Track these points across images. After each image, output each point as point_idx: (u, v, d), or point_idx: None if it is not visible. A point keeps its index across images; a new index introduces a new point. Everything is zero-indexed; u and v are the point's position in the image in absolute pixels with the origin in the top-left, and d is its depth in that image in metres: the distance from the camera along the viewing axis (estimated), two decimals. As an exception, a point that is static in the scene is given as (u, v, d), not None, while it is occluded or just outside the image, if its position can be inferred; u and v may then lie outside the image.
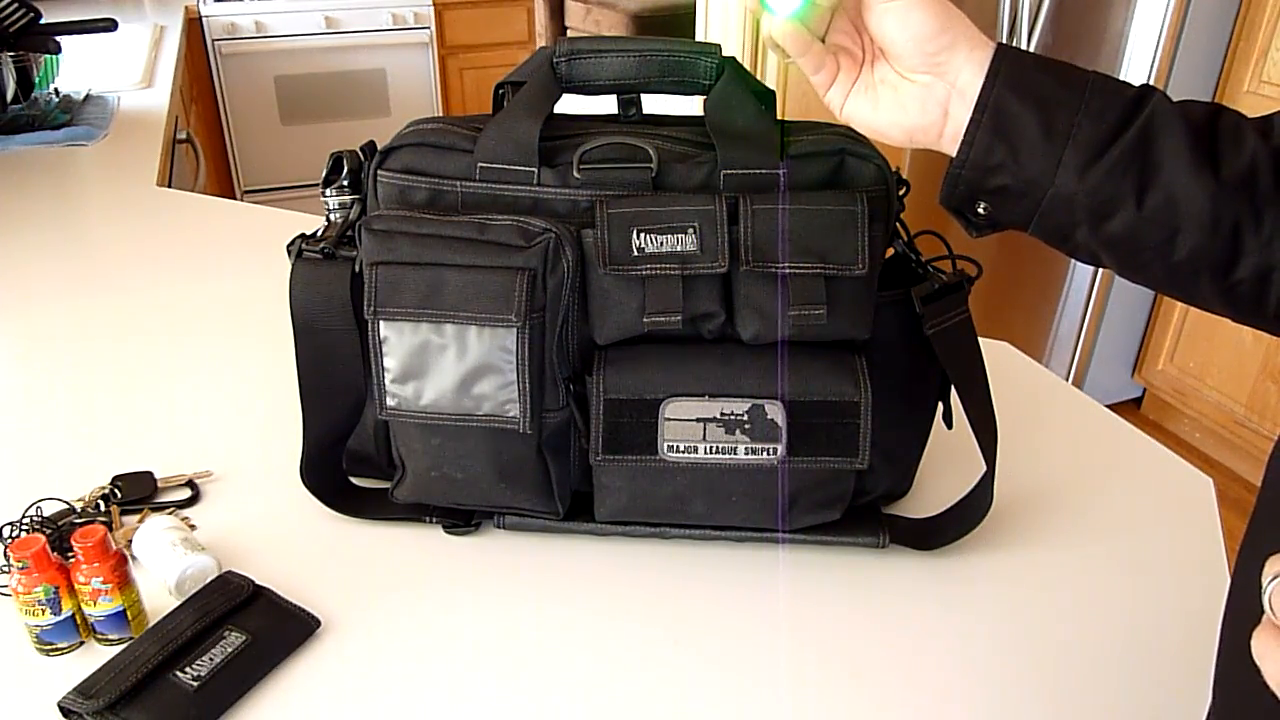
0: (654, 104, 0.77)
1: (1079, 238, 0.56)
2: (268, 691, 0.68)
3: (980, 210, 0.58)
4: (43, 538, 0.70)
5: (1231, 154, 0.53)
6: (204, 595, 0.72)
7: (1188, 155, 0.53)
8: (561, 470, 0.77)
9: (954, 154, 0.57)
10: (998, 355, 1.07)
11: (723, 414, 0.72)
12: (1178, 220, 0.53)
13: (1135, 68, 2.20)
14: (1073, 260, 2.17)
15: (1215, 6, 2.14)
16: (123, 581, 0.70)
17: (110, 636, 0.71)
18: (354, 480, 0.85)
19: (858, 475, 0.76)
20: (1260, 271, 0.53)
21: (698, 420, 0.72)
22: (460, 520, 0.82)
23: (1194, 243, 0.53)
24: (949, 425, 0.81)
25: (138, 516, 0.83)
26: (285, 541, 0.81)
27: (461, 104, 3.80)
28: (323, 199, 0.79)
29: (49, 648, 0.70)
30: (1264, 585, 0.32)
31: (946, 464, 0.88)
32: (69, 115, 1.90)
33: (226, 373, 1.06)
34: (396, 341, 0.71)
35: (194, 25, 3.30)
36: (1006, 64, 0.55)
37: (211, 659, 0.67)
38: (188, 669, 0.66)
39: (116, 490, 0.86)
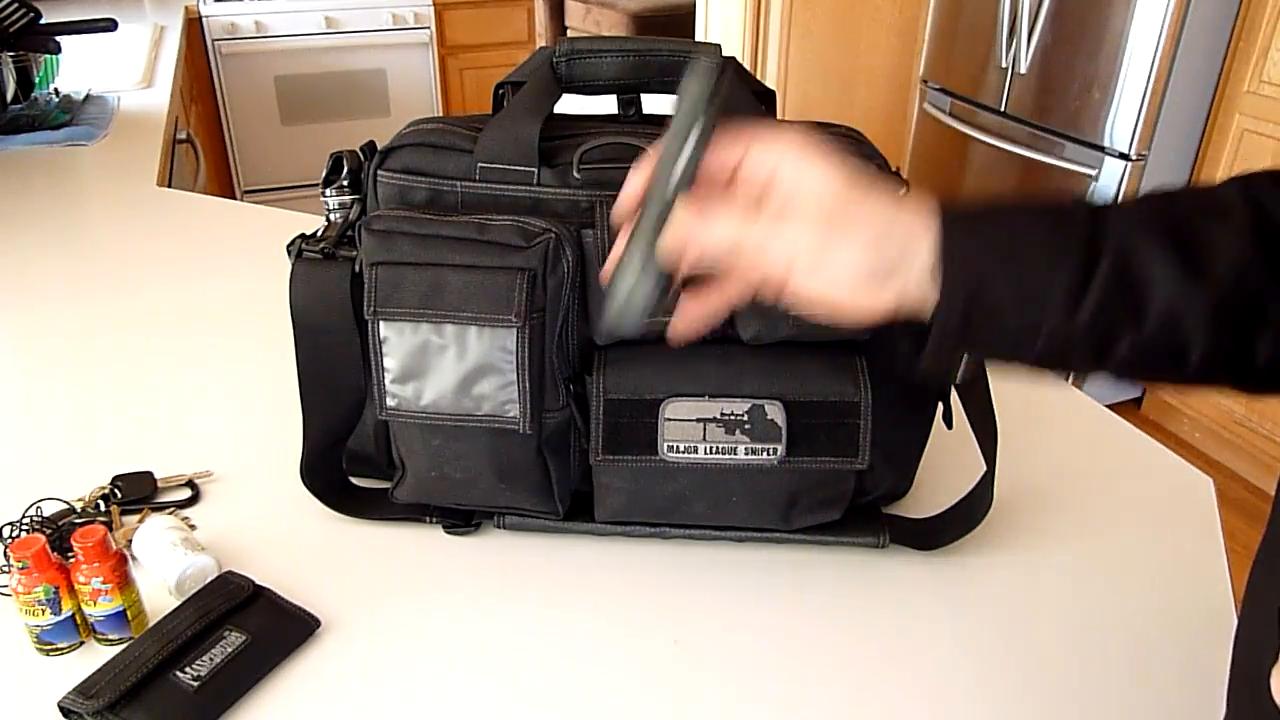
0: (654, 104, 0.77)
1: (1083, 368, 0.53)
2: (268, 691, 0.68)
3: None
4: (43, 538, 0.70)
5: (1214, 247, 0.49)
6: (204, 595, 0.72)
7: (1173, 268, 0.49)
8: (561, 470, 0.77)
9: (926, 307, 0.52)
10: (998, 355, 1.07)
11: (723, 414, 0.72)
12: (1182, 335, 0.51)
13: (1135, 68, 2.20)
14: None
15: (1215, 6, 2.14)
16: (123, 581, 0.70)
17: (110, 636, 0.71)
18: (354, 480, 0.85)
19: (858, 475, 0.76)
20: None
21: (698, 420, 0.72)
22: (460, 520, 0.82)
23: (1204, 351, 0.51)
24: (949, 425, 0.81)
25: (138, 516, 0.83)
26: (285, 541, 0.81)
27: (461, 104, 3.80)
28: (323, 199, 0.79)
29: (49, 648, 0.70)
30: None
31: (946, 464, 0.88)
32: (69, 115, 1.90)
33: (226, 373, 1.06)
34: (396, 341, 0.71)
35: (194, 25, 3.30)
36: (956, 241, 0.50)
37: (211, 659, 0.67)
38: (188, 669, 0.66)
39: (116, 490, 0.86)
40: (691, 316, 0.55)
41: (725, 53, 0.74)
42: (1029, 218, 0.51)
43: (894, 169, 0.74)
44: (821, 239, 0.50)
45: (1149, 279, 0.49)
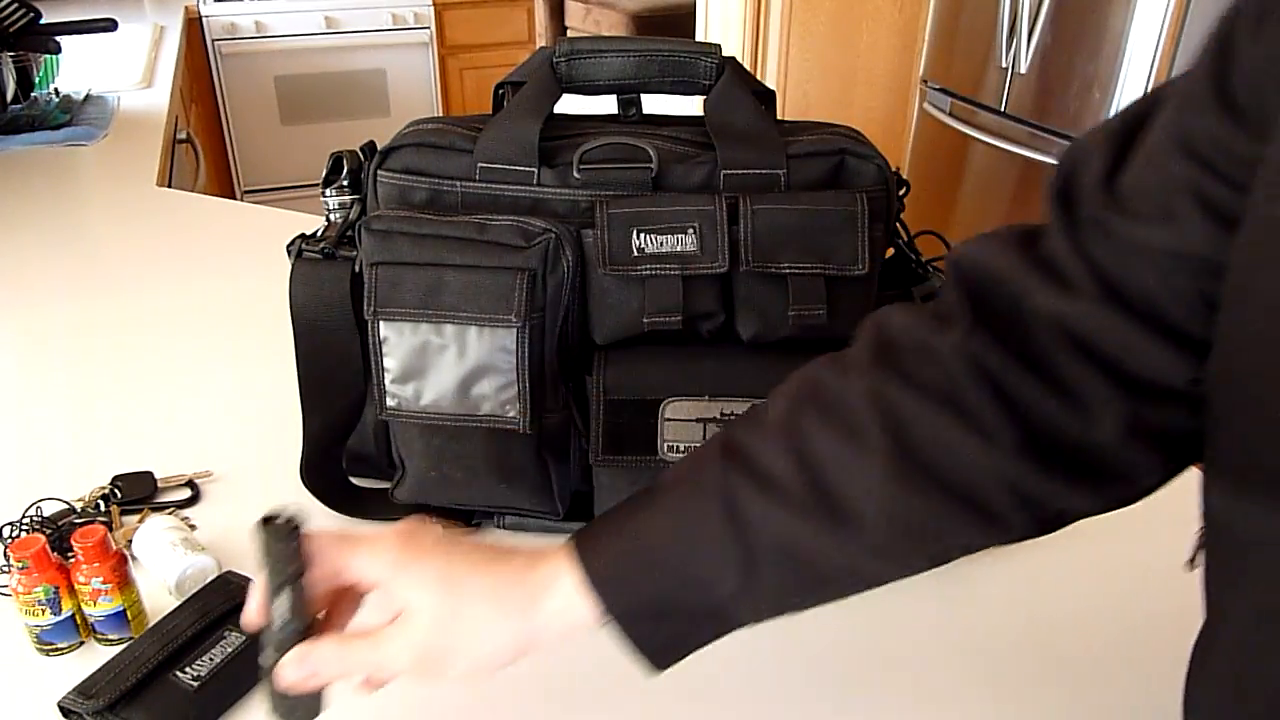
0: (654, 104, 0.77)
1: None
2: (268, 691, 0.68)
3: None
4: (43, 538, 0.70)
5: (864, 500, 0.48)
6: (204, 595, 0.72)
7: (829, 539, 0.49)
8: (561, 470, 0.77)
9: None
10: (998, 355, 1.07)
11: (723, 414, 0.71)
12: (869, 581, 0.52)
13: (1135, 68, 2.20)
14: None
15: (1215, 6, 2.14)
16: (123, 581, 0.70)
17: (110, 636, 0.71)
18: (354, 480, 0.85)
19: (858, 475, 0.76)
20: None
21: (698, 420, 0.72)
22: (460, 520, 0.82)
23: (897, 576, 0.52)
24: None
25: (138, 516, 0.83)
26: (285, 541, 0.81)
27: (461, 104, 3.80)
28: (323, 199, 0.79)
29: (49, 648, 0.70)
30: None
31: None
32: (69, 115, 1.90)
33: (226, 373, 1.06)
34: (396, 341, 0.71)
35: (194, 25, 3.30)
36: (609, 600, 0.51)
37: (211, 659, 0.67)
38: (188, 669, 0.66)
39: (116, 490, 0.86)
40: (365, 690, 0.56)
41: (725, 53, 0.74)
42: (672, 544, 0.51)
43: (894, 169, 0.74)
44: (441, 646, 0.52)
45: (813, 561, 0.50)
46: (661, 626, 0.52)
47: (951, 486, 0.47)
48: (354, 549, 0.53)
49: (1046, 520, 0.49)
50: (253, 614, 0.54)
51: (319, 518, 0.83)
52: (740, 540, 0.49)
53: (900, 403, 0.48)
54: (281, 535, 0.51)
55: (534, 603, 0.52)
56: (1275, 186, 0.37)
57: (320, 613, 0.56)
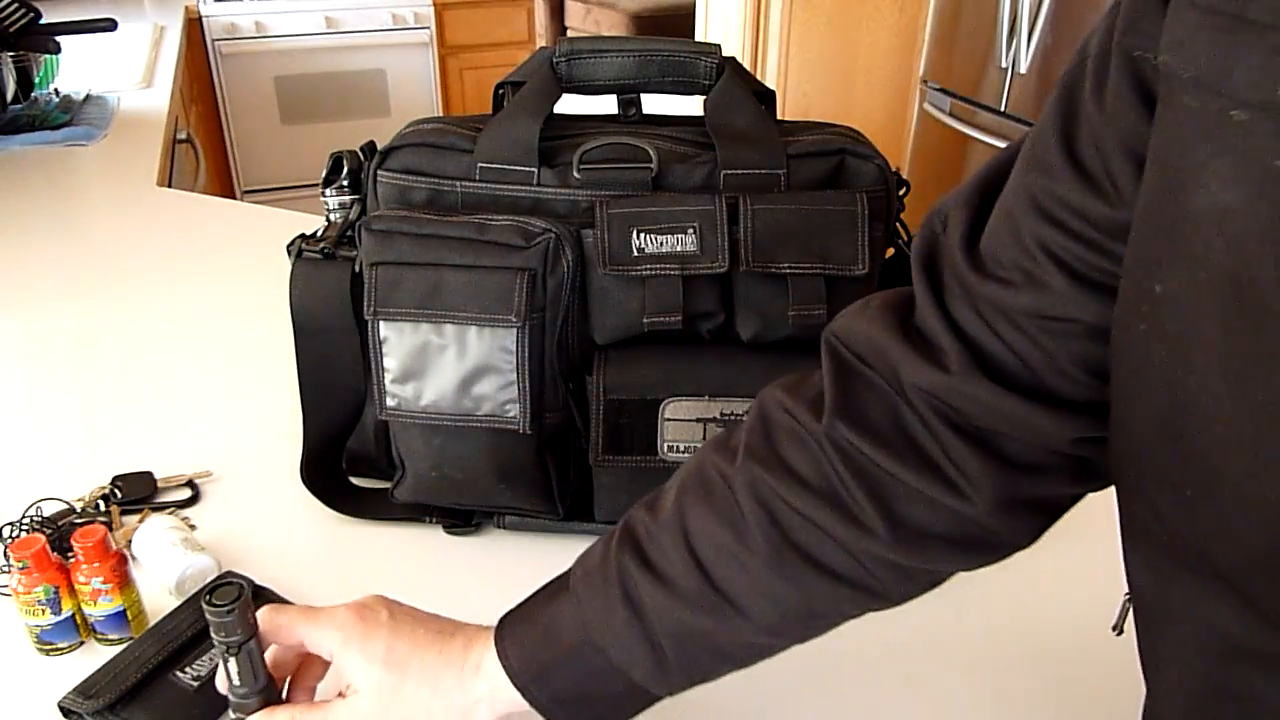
0: (654, 104, 0.77)
1: None
2: (268, 691, 0.68)
3: None
4: (43, 538, 0.70)
5: (752, 597, 0.50)
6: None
7: (723, 623, 0.50)
8: (561, 470, 0.77)
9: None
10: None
11: (723, 414, 0.72)
12: (770, 653, 0.54)
13: (1135, 68, 2.19)
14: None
15: (1215, 6, 2.14)
16: (123, 581, 0.70)
17: (110, 636, 0.71)
18: (354, 480, 0.85)
19: (858, 475, 0.76)
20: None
21: (698, 420, 0.72)
22: (460, 520, 0.82)
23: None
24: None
25: (138, 516, 0.83)
26: (285, 541, 0.81)
27: (461, 104, 3.80)
28: (323, 199, 0.79)
29: (49, 648, 0.70)
30: None
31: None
32: (69, 115, 1.90)
33: (226, 373, 1.06)
34: (396, 342, 0.71)
35: (194, 25, 3.30)
36: (535, 693, 0.53)
37: (211, 659, 0.67)
38: (188, 669, 0.66)
39: (116, 490, 0.86)
40: None
41: (725, 53, 0.74)
42: (582, 635, 0.53)
43: (894, 169, 0.74)
44: (385, 714, 0.54)
45: (714, 644, 0.52)
46: (584, 709, 0.54)
47: (830, 572, 0.49)
48: (312, 622, 0.56)
49: (927, 584, 0.52)
50: (219, 681, 0.56)
51: (319, 518, 0.83)
52: (643, 631, 0.51)
53: (776, 494, 0.49)
54: (220, 610, 0.53)
55: (464, 687, 0.54)
56: (1152, 260, 0.35)
57: (287, 675, 0.59)
